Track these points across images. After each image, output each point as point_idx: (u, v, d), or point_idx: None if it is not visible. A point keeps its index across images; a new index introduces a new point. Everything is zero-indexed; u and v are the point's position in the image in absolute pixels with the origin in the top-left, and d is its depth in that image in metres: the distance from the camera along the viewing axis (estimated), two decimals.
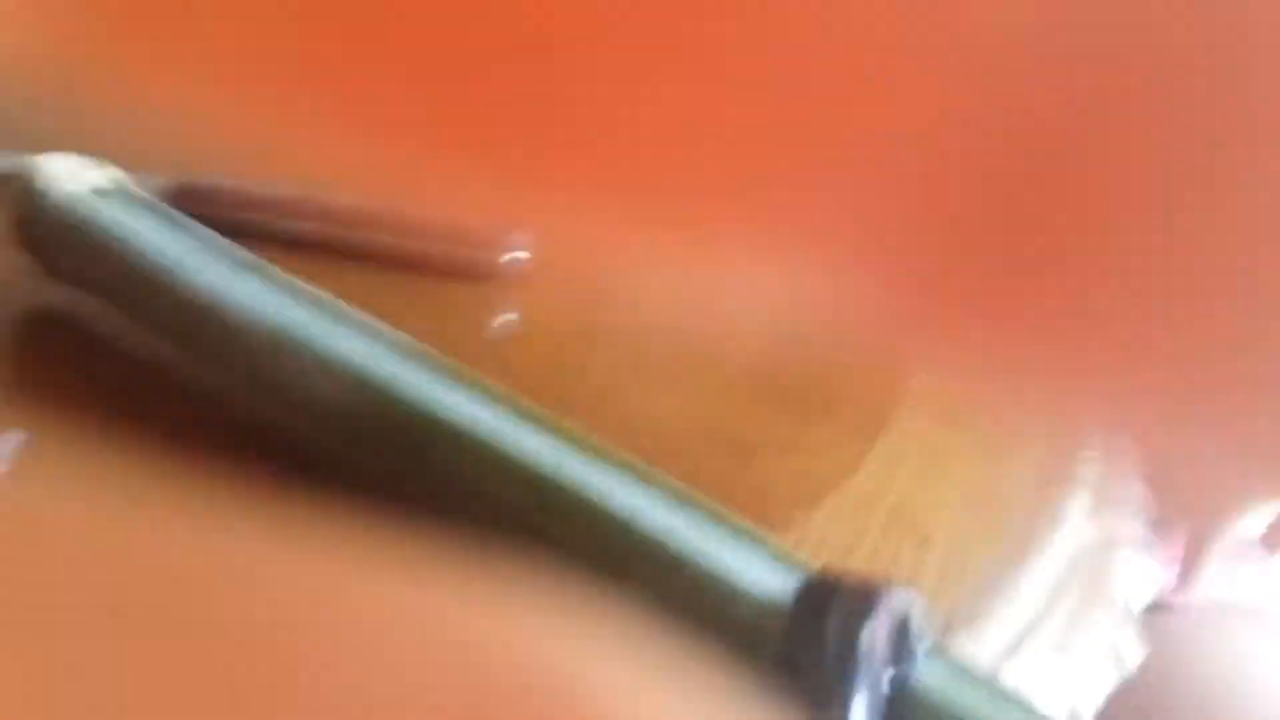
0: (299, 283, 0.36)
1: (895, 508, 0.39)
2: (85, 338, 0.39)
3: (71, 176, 0.38)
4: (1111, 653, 0.37)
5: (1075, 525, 0.39)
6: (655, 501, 0.33)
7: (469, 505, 0.34)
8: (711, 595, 0.31)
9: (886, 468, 0.41)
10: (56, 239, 0.38)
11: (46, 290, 0.40)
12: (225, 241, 0.37)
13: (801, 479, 0.40)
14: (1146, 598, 0.39)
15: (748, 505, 0.33)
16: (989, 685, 0.30)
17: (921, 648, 0.29)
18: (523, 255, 0.47)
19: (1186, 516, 0.71)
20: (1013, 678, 0.34)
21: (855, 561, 0.36)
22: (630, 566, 0.32)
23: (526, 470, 0.33)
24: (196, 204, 0.41)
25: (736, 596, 0.31)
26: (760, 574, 0.31)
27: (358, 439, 0.35)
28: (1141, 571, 0.40)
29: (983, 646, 0.34)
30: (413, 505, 0.34)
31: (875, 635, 0.28)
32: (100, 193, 0.38)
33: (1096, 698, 0.36)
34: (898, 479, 0.40)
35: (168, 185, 0.44)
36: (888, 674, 0.28)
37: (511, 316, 0.47)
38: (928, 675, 0.29)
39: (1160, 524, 0.44)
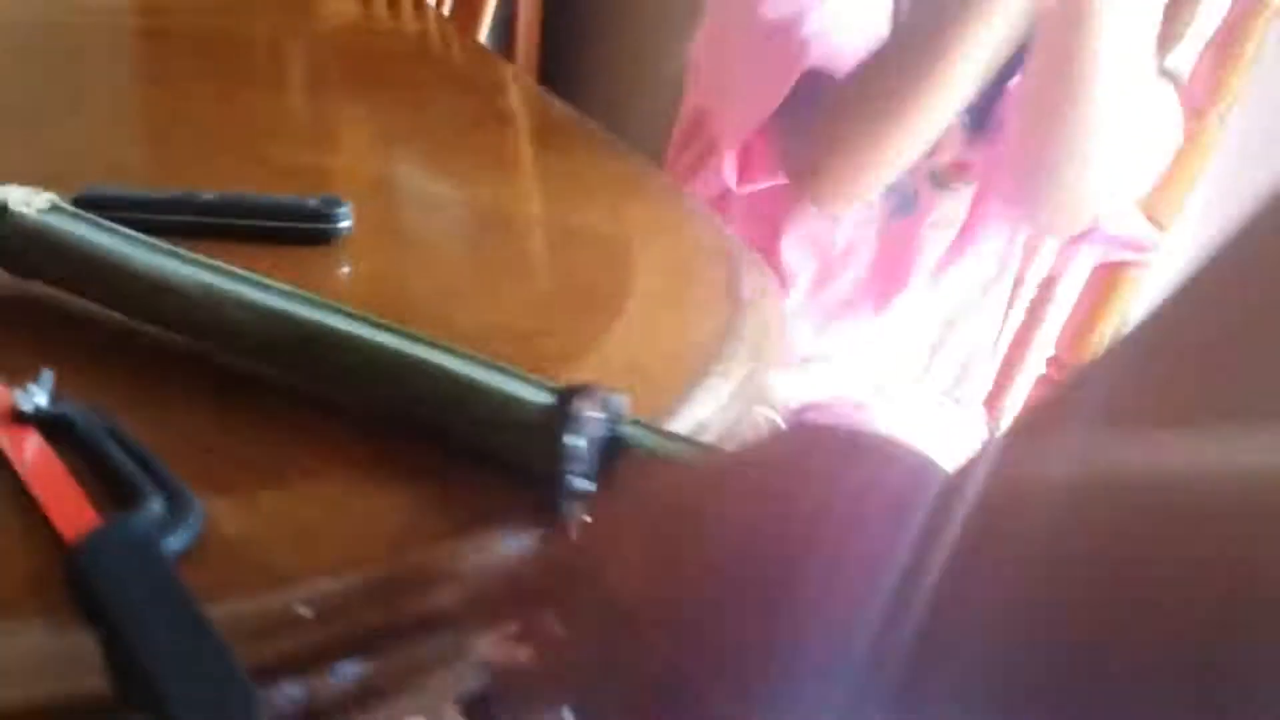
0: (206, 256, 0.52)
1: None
2: (54, 312, 0.55)
3: (24, 200, 0.54)
4: None
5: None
6: (473, 364, 0.47)
7: (349, 387, 0.49)
8: (510, 408, 0.45)
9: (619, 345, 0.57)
10: (24, 250, 0.54)
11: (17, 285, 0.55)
12: (140, 234, 0.53)
13: (565, 350, 0.55)
14: None
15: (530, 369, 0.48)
16: (671, 436, 0.44)
17: (626, 419, 0.43)
18: (347, 224, 0.65)
19: None
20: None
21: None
22: (462, 405, 0.47)
23: (390, 356, 0.48)
24: (104, 208, 0.57)
25: (523, 403, 0.45)
26: (535, 394, 0.46)
27: (268, 353, 0.50)
28: None
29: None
30: (309, 394, 0.49)
31: (592, 406, 0.42)
32: (48, 210, 0.54)
33: None
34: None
35: (80, 196, 0.60)
36: (605, 430, 0.43)
37: (346, 269, 0.65)
38: (630, 432, 0.43)
39: None
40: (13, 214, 0.54)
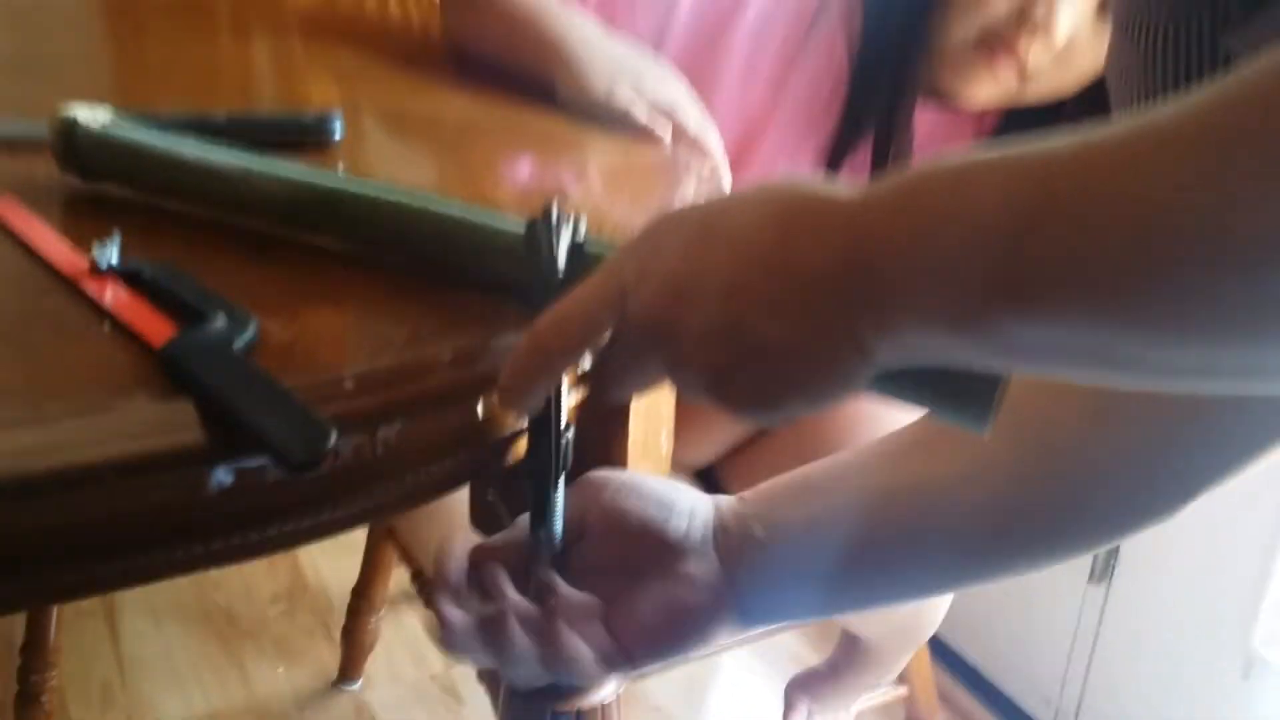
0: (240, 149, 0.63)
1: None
2: (118, 205, 0.65)
3: (91, 117, 0.65)
4: None
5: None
6: (459, 208, 0.59)
7: (361, 236, 0.60)
8: (493, 236, 0.57)
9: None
10: (92, 154, 0.65)
11: (84, 187, 0.66)
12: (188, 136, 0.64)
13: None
14: None
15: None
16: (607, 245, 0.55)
17: (584, 233, 0.54)
18: (339, 135, 0.76)
19: None
20: None
21: None
22: (454, 239, 0.58)
23: (392, 207, 0.59)
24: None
25: (503, 233, 0.57)
26: (512, 225, 0.57)
27: (295, 216, 0.61)
28: None
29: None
30: (329, 250, 0.61)
31: (560, 218, 0.53)
32: (110, 124, 0.65)
33: None
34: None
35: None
36: (569, 242, 0.53)
37: (341, 166, 0.76)
38: (589, 243, 0.54)
39: None
40: (81, 126, 0.64)
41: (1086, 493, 0.58)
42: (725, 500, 0.63)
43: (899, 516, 0.60)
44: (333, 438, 0.45)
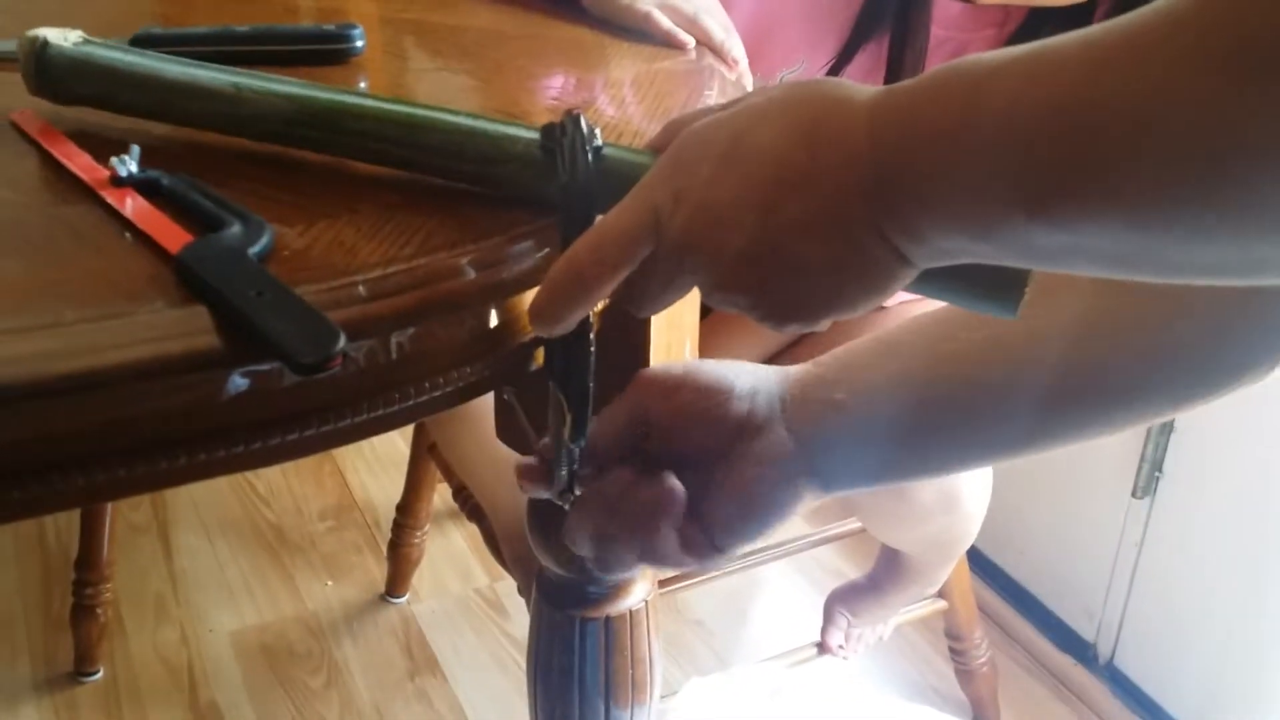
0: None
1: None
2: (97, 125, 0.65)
3: (61, 38, 0.63)
4: None
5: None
6: (471, 117, 0.58)
7: (368, 149, 0.60)
8: (508, 143, 0.56)
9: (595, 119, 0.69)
10: (62, 76, 0.62)
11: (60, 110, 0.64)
12: (164, 55, 0.63)
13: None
14: None
15: None
16: (640, 152, 0.54)
17: (600, 138, 0.54)
18: (362, 44, 0.75)
19: None
20: None
21: None
22: (467, 148, 0.57)
23: (402, 117, 0.59)
24: (157, 45, 0.67)
25: (519, 139, 0.56)
26: (526, 133, 0.57)
27: (293, 133, 0.61)
28: None
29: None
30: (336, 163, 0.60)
31: (581, 124, 0.53)
32: (81, 43, 0.63)
33: None
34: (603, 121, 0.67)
35: (136, 36, 0.71)
36: (587, 147, 0.53)
37: (364, 84, 0.76)
38: (607, 150, 0.54)
39: None
40: (52, 47, 0.62)
41: (1171, 336, 0.56)
42: (795, 370, 0.62)
43: (978, 370, 0.59)
44: (341, 341, 0.45)
